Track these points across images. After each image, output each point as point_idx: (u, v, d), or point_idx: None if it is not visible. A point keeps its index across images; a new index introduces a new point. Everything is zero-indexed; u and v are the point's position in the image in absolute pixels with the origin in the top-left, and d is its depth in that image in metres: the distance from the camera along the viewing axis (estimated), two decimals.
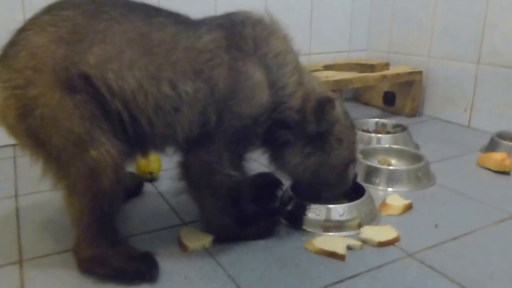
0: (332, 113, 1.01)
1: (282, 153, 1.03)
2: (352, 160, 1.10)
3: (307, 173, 1.05)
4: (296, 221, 1.09)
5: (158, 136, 0.91)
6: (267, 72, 0.95)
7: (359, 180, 1.29)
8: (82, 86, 0.82)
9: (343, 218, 1.08)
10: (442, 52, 2.04)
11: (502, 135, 1.64)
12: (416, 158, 1.45)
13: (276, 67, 0.96)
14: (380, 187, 1.33)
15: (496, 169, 1.45)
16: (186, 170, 0.95)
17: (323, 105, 1.00)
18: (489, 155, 1.50)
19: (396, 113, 2.15)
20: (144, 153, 0.99)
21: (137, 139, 0.90)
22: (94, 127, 0.83)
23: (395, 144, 1.59)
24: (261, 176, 1.22)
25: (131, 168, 1.31)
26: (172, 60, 0.88)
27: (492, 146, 1.60)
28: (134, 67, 0.85)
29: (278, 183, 1.20)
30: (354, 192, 1.16)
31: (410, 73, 2.04)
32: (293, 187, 1.17)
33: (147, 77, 0.85)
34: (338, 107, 1.04)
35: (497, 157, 1.47)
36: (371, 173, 1.36)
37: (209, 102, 0.91)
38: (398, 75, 2.00)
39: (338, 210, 1.08)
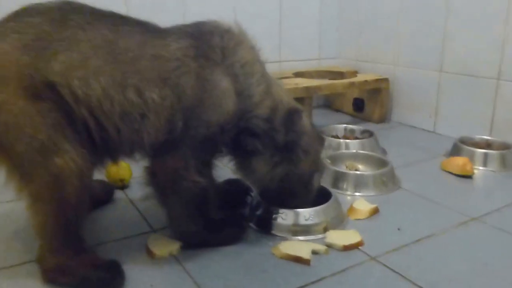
0: (300, 123, 1.01)
1: (249, 161, 1.03)
2: (317, 171, 1.11)
3: (274, 182, 1.05)
4: (265, 226, 1.09)
5: (126, 142, 0.90)
6: (234, 81, 0.95)
7: (327, 185, 1.29)
8: (46, 93, 0.81)
9: (309, 222, 1.08)
10: (408, 60, 2.07)
11: (464, 140, 1.66)
12: (382, 163, 1.46)
13: (243, 76, 0.96)
14: (348, 192, 1.34)
15: (458, 173, 1.46)
16: (153, 176, 0.94)
17: (292, 115, 1.00)
18: (451, 159, 1.53)
19: (365, 119, 2.17)
20: (113, 160, 0.97)
21: (105, 146, 0.89)
22: (59, 134, 0.81)
23: (362, 149, 1.60)
24: (230, 182, 1.23)
25: (101, 175, 1.28)
26: (138, 68, 0.87)
27: (454, 151, 1.62)
28: (100, 74, 0.84)
29: (247, 190, 1.20)
30: (322, 197, 1.16)
31: (377, 80, 2.06)
32: (262, 193, 1.16)
33: (113, 84, 0.85)
34: (305, 118, 1.04)
35: (458, 162, 1.49)
36: (339, 178, 1.37)
37: (176, 109, 0.90)
38: (365, 82, 2.02)
39: (304, 215, 1.09)
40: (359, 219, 1.16)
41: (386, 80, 2.08)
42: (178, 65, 0.90)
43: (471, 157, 1.54)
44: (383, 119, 2.12)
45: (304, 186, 1.09)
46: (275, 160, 1.02)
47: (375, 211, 1.20)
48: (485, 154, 1.56)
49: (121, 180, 1.34)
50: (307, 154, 1.05)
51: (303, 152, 1.04)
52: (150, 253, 0.98)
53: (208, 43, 0.94)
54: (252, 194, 1.19)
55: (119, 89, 0.85)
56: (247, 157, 1.04)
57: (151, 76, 0.88)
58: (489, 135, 1.73)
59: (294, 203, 1.11)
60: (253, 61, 0.98)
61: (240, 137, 1.00)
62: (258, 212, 1.12)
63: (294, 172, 1.04)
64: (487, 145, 1.66)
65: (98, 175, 1.20)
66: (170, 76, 0.89)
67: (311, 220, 1.08)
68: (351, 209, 1.20)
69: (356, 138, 1.76)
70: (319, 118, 2.15)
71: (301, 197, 1.11)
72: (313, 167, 1.08)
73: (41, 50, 0.81)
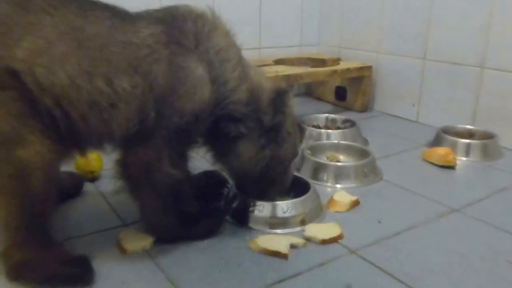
0: (289, 103, 1.04)
1: (233, 146, 1.03)
2: (295, 156, 1.14)
3: (258, 167, 1.06)
4: (241, 219, 1.10)
5: (94, 133, 0.88)
6: (209, 68, 0.95)
7: (306, 176, 1.31)
8: (9, 81, 0.78)
9: (287, 214, 1.09)
10: (391, 47, 2.07)
11: (446, 130, 1.68)
12: (363, 153, 1.47)
13: (219, 63, 0.96)
14: (329, 184, 1.34)
15: (440, 164, 1.48)
16: (125, 169, 0.94)
17: (281, 96, 1.03)
18: (433, 150, 1.54)
19: (347, 108, 2.18)
20: (82, 152, 0.96)
21: (72, 137, 0.87)
22: (22, 125, 0.79)
23: (344, 139, 1.60)
24: (206, 174, 1.21)
25: (70, 167, 1.28)
26: (107, 55, 0.86)
27: (437, 141, 1.64)
28: (66, 61, 0.82)
29: (224, 181, 1.18)
30: (300, 189, 1.18)
31: (360, 68, 2.07)
32: (239, 184, 1.17)
33: (80, 72, 0.83)
34: (292, 99, 1.06)
35: (440, 152, 1.50)
36: (319, 169, 1.37)
37: (147, 98, 0.89)
38: (348, 70, 2.02)
39: (282, 207, 1.09)
40: (339, 212, 1.17)
41: (369, 68, 2.09)
42: (149, 52, 0.89)
43: (454, 147, 1.56)
44: (365, 108, 2.14)
45: (283, 173, 1.12)
46: (262, 142, 1.04)
47: (356, 203, 1.20)
48: (468, 144, 1.58)
49: (91, 172, 1.33)
50: (290, 136, 1.07)
51: (287, 134, 1.06)
52: (121, 249, 0.98)
53: (180, 28, 0.93)
54: (229, 186, 1.17)
55: (87, 77, 0.83)
56: (229, 143, 1.04)
57: (120, 63, 0.86)
58: (472, 125, 1.74)
59: (272, 193, 1.12)
60: (228, 47, 0.98)
61: (220, 125, 1.00)
62: (235, 205, 1.12)
63: (278, 155, 1.07)
64: (470, 135, 1.68)
65: (67, 167, 1.20)
66: (141, 63, 0.88)
67: (289, 212, 1.09)
68: (331, 201, 1.20)
69: (338, 128, 1.76)
70: (300, 107, 2.15)
71: (279, 186, 1.13)
72: (293, 151, 1.11)
73: (2, 36, 0.79)
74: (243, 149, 1.04)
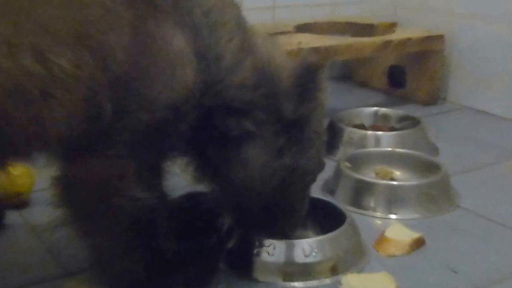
0: (324, 86, 1.05)
1: (235, 153, 1.04)
2: (322, 168, 1.14)
3: (272, 183, 1.06)
4: (242, 267, 1.10)
5: (20, 136, 0.86)
6: (194, 37, 0.94)
7: (342, 202, 1.32)
8: None
9: (310, 259, 1.08)
10: (473, 8, 2.05)
11: None
12: (430, 167, 1.46)
13: (208, 28, 0.96)
14: (378, 214, 1.35)
15: None
16: (68, 190, 0.93)
17: (313, 74, 1.02)
18: None
19: (407, 99, 2.17)
20: (3, 165, 0.96)
21: None
22: None
23: (401, 146, 1.60)
24: (191, 198, 1.23)
25: None
26: (39, 18, 0.84)
27: None
28: None
29: (216, 209, 1.19)
30: (331, 221, 1.19)
31: (427, 39, 2.06)
32: (238, 213, 1.16)
33: None
34: (326, 80, 1.07)
35: None
36: (364, 191, 1.37)
37: (100, 83, 0.87)
38: (408, 41, 2.01)
39: (303, 248, 1.09)
40: (393, 256, 1.17)
41: (439, 38, 2.07)
42: (103, 14, 0.87)
43: None
44: (434, 99, 2.14)
45: (304, 193, 1.12)
46: (280, 144, 1.04)
47: (419, 243, 1.20)
48: None
49: (18, 195, 1.33)
50: (318, 137, 1.08)
51: (314, 133, 1.07)
52: None
53: None
54: (223, 215, 1.18)
55: (8, 50, 0.82)
56: (227, 148, 1.04)
57: (59, 31, 0.84)
58: None
59: (287, 226, 1.12)
60: (222, 5, 0.98)
61: (214, 121, 1.01)
62: (232, 244, 1.12)
63: (301, 165, 1.07)
64: None
65: None
66: (89, 31, 0.86)
67: (314, 256, 1.08)
68: (382, 239, 1.21)
69: (392, 128, 1.76)
70: (335, 97, 2.08)
71: (298, 213, 1.13)
72: (319, 160, 1.11)
73: None
74: (251, 156, 1.04)
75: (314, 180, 1.15)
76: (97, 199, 0.93)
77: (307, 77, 1.03)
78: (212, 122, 1.02)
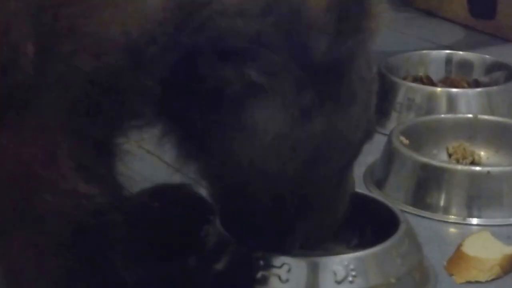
0: (375, 8, 1.00)
1: (234, 119, 1.00)
2: (371, 134, 1.10)
3: (296, 159, 1.02)
4: None
5: None
6: None
7: (396, 199, 1.31)
8: None
9: (346, 286, 1.07)
10: None
11: None
12: None
13: None
14: (452, 217, 1.32)
15: None
16: None
17: None
18: None
19: (497, 37, 2.21)
20: None
21: None
22: None
23: (489, 112, 1.58)
24: (162, 193, 1.23)
25: None
26: None
27: None
28: None
29: (201, 209, 1.20)
30: (378, 228, 1.17)
31: None
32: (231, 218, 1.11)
33: None
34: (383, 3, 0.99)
35: None
36: (430, 182, 1.34)
37: (14, 11, 0.84)
38: None
39: (335, 270, 1.05)
40: (476, 282, 1.17)
41: None
42: None
43: None
44: None
45: (344, 175, 1.09)
46: (306, 100, 1.00)
47: None
48: None
49: None
50: (364, 86, 1.06)
51: (361, 83, 1.05)
52: None
53: None
54: (211, 217, 1.17)
55: None
56: (223, 111, 0.99)
57: None
58: None
59: (307, 233, 1.11)
60: None
61: (200, 70, 0.94)
62: (224, 265, 1.10)
63: (339, 131, 1.04)
64: None
65: None
66: None
67: (351, 282, 1.05)
68: (459, 257, 1.18)
69: (476, 83, 1.73)
70: (387, 33, 2.19)
71: (332, 210, 1.12)
72: (367, 124, 1.09)
73: None
74: (260, 122, 0.98)
75: (357, 154, 1.10)
76: (11, 198, 0.89)
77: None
78: (196, 71, 0.95)
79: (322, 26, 0.96)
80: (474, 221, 1.33)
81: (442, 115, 1.59)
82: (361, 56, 1.03)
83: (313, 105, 1.01)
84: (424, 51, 1.83)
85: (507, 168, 1.36)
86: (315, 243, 1.14)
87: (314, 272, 1.07)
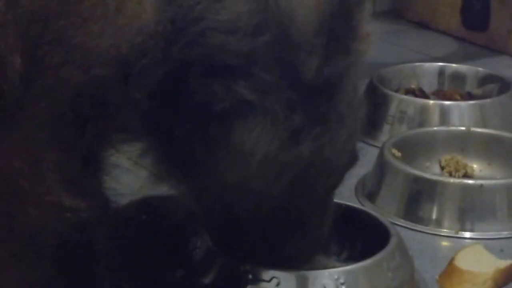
0: (364, 30, 1.02)
1: (223, 136, 1.00)
2: (353, 162, 1.11)
3: (284, 179, 1.02)
4: None
5: None
6: None
7: (388, 212, 1.33)
8: None
9: None
10: None
11: None
12: None
13: None
14: (444, 230, 1.33)
15: None
16: None
17: (347, 12, 0.99)
18: None
19: (490, 49, 2.20)
20: None
21: None
22: None
23: (482, 124, 1.58)
24: (148, 206, 1.23)
25: None
26: None
27: None
28: None
29: (189, 223, 1.19)
30: (369, 242, 1.16)
31: None
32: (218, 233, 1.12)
33: None
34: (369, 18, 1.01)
35: None
36: (422, 194, 1.35)
37: (3, 23, 0.83)
38: None
39: (325, 284, 1.05)
40: None
41: None
42: None
43: None
44: None
45: (327, 197, 1.10)
46: (296, 122, 1.00)
47: (509, 276, 1.20)
48: None
49: None
50: (352, 111, 1.06)
51: (347, 107, 1.04)
52: None
53: None
54: (199, 233, 1.17)
55: None
56: (210, 129, 0.99)
57: None
58: None
59: (299, 250, 1.11)
60: None
61: (190, 85, 0.95)
62: (211, 279, 1.10)
63: (326, 154, 1.05)
64: None
65: None
66: None
67: None
68: (451, 270, 1.19)
69: (469, 96, 1.73)
70: (379, 45, 2.22)
71: (318, 230, 1.12)
72: (353, 149, 1.10)
73: None
74: (249, 141, 0.98)
75: (341, 179, 1.11)
76: None
77: (339, 16, 1.00)
78: (186, 87, 0.96)
79: (311, 47, 0.97)
80: (467, 234, 1.34)
81: (435, 128, 1.60)
82: (350, 80, 1.03)
83: (302, 128, 1.01)
84: (417, 63, 1.84)
85: (500, 181, 1.37)
86: (302, 257, 1.13)
87: (303, 286, 1.08)
